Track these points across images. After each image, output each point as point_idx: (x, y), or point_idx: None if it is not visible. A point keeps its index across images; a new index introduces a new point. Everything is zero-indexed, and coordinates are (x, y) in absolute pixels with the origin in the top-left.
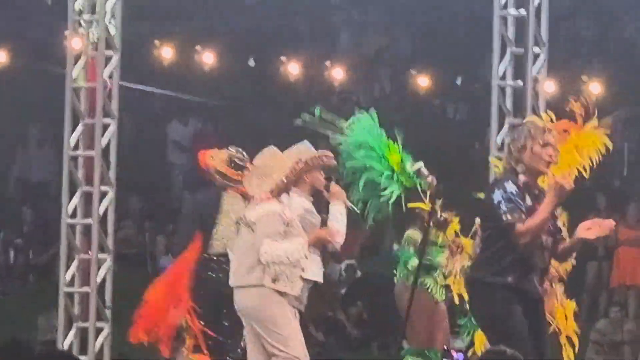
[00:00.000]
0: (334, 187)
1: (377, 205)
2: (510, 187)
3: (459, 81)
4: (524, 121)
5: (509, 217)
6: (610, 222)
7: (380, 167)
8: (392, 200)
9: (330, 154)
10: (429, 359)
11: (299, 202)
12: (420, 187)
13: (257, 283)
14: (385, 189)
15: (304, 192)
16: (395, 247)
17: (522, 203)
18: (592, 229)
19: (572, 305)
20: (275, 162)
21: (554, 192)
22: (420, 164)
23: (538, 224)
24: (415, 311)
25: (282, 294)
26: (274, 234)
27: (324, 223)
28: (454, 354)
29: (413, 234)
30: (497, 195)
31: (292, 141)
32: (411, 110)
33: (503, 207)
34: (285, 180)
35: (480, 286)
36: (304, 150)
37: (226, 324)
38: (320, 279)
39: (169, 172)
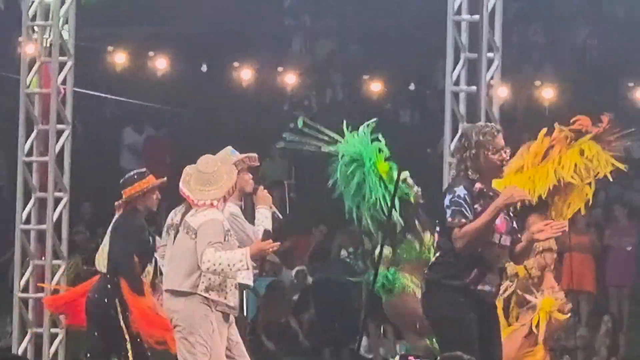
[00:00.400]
0: (260, 192)
1: (370, 208)
2: (460, 190)
3: (412, 87)
4: (466, 128)
5: (452, 219)
6: (562, 224)
7: (372, 177)
8: (378, 206)
9: (255, 155)
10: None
11: (225, 207)
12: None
13: (191, 290)
14: (373, 197)
15: (233, 197)
16: (344, 253)
17: (469, 207)
18: (544, 230)
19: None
20: (217, 170)
21: (502, 198)
22: (406, 174)
23: (476, 228)
24: (409, 314)
25: (212, 302)
26: (216, 242)
27: (267, 235)
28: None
29: (385, 251)
30: (447, 200)
31: (245, 146)
32: (363, 116)
33: (449, 211)
34: (231, 190)
35: (435, 288)
36: (228, 155)
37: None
38: (250, 283)
39: (121, 177)
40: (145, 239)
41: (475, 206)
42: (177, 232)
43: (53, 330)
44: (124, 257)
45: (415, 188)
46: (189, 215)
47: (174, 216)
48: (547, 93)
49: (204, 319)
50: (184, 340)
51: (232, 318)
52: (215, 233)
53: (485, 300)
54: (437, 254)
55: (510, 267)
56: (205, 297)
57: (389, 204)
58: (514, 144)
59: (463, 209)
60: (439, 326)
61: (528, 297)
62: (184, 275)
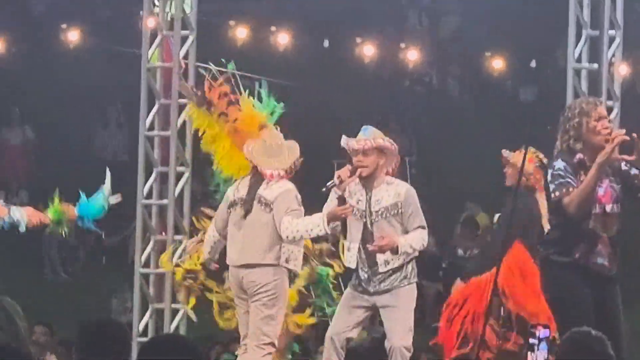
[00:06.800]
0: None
1: None
2: (559, 163)
3: (533, 64)
4: (570, 102)
5: (557, 193)
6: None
7: None
8: None
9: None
10: None
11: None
12: None
13: (274, 262)
14: None
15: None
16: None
17: (572, 178)
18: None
19: None
20: (280, 144)
21: (602, 154)
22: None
23: (582, 189)
24: None
25: (288, 273)
26: (293, 210)
27: (342, 201)
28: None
29: None
30: (548, 176)
31: (363, 121)
32: (483, 92)
33: (552, 185)
34: (297, 162)
35: (546, 265)
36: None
37: None
38: (353, 265)
39: None
40: None
41: (581, 176)
42: (247, 207)
43: (174, 305)
44: None
45: None
46: (262, 189)
47: (235, 190)
48: None
49: (286, 291)
50: (265, 310)
51: None
52: (290, 202)
53: (599, 274)
54: (549, 230)
55: None
56: (286, 269)
57: None
58: (635, 122)
59: (563, 180)
60: (553, 306)
61: None
62: (265, 249)
